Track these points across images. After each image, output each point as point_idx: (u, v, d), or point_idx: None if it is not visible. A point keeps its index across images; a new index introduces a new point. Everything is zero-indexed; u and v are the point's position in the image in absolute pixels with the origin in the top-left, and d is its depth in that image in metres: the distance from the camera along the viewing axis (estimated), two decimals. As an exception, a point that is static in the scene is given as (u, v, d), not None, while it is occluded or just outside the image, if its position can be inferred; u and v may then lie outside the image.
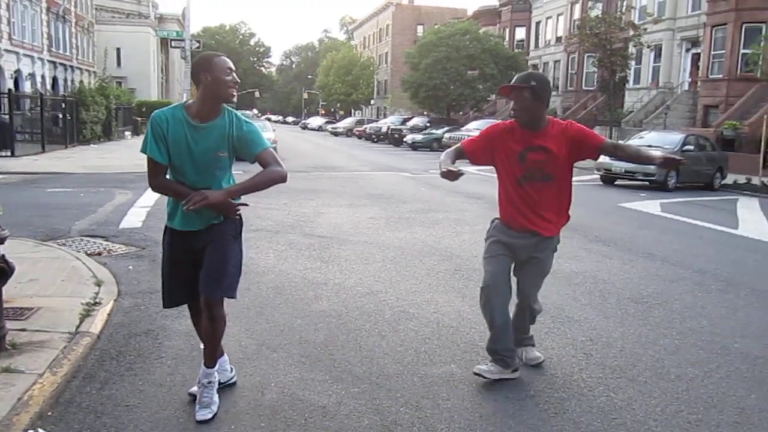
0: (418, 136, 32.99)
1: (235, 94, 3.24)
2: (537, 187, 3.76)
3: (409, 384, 3.79)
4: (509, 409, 3.52)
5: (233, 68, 3.24)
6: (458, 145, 4.02)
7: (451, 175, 3.63)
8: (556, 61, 43.44)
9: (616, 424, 3.40)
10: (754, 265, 7.71)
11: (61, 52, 40.31)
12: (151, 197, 10.60)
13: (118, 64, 49.35)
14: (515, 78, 3.77)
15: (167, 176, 3.29)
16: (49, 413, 3.24)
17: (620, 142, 4.06)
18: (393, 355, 4.24)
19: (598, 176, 17.76)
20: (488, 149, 3.93)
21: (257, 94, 79.80)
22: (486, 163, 3.95)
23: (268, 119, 64.17)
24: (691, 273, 6.99)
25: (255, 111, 70.60)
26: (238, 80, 3.27)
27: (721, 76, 27.21)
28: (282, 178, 3.22)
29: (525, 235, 3.80)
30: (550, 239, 3.86)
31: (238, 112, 3.34)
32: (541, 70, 45.70)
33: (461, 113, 46.49)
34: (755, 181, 17.60)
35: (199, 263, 3.30)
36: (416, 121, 39.10)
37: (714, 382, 4.01)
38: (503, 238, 3.88)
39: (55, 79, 39.52)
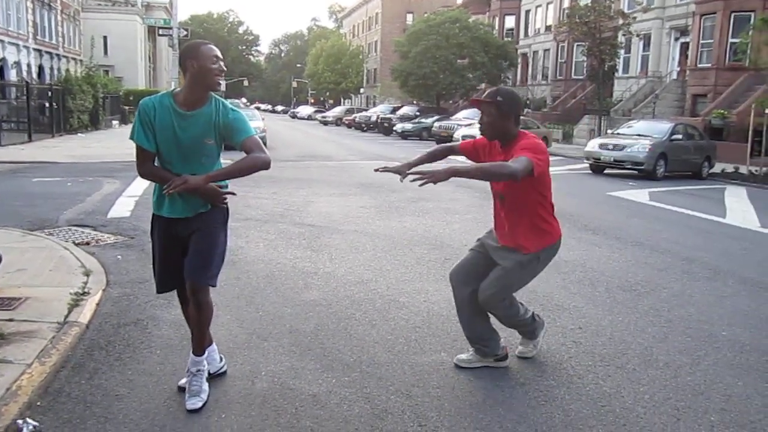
0: (408, 125, 32.92)
1: (221, 82, 3.22)
2: (506, 206, 3.72)
3: (399, 372, 3.80)
4: (499, 397, 3.53)
5: (220, 56, 3.21)
6: (455, 144, 3.98)
7: (395, 172, 3.68)
8: (545, 50, 43.44)
9: (605, 411, 3.42)
10: (741, 253, 7.77)
11: (47, 40, 39.82)
12: (139, 186, 10.54)
13: (105, 52, 48.81)
14: (485, 92, 3.72)
15: (156, 163, 3.28)
16: (38, 403, 3.23)
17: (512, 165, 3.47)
18: (383, 343, 4.25)
19: (588, 165, 17.82)
20: (474, 156, 3.92)
21: (246, 82, 79.35)
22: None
23: (258, 108, 63.84)
24: (680, 261, 7.03)
25: (244, 100, 70.22)
26: (225, 69, 3.25)
27: (709, 65, 27.29)
28: (265, 164, 3.20)
29: (503, 247, 3.78)
30: (520, 253, 3.72)
31: (226, 101, 3.33)
32: (530, 59, 45.93)
33: (451, 102, 46.45)
34: (743, 170, 17.72)
35: (186, 250, 3.29)
36: (406, 110, 39.00)
37: (702, 369, 4.05)
38: (486, 239, 3.93)
39: (41, 68, 39.06)
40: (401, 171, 3.67)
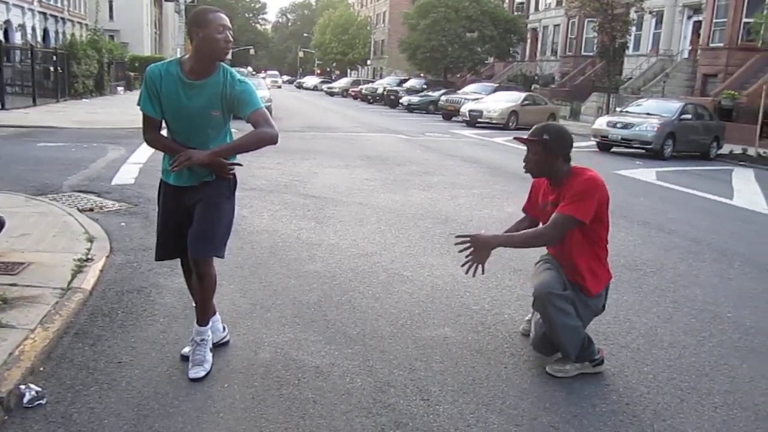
0: (415, 98, 32.68)
1: (227, 52, 3.14)
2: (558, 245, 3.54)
3: (402, 346, 3.79)
4: (502, 374, 3.52)
5: (228, 25, 3.10)
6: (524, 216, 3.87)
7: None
8: (555, 25, 42.87)
9: (609, 390, 3.41)
10: (748, 235, 7.72)
11: (51, 3, 39.40)
12: (144, 153, 10.49)
13: (111, 17, 48.34)
14: (531, 130, 3.55)
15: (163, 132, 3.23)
16: (41, 369, 3.22)
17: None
18: (387, 317, 4.23)
19: (595, 143, 17.69)
20: (534, 200, 3.78)
21: (252, 51, 78.69)
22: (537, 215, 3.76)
23: (275, 79, 62.74)
24: (686, 242, 6.99)
25: (249, 69, 69.70)
26: (231, 39, 3.15)
27: (721, 44, 26.93)
28: (272, 140, 3.12)
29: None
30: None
31: (233, 70, 3.24)
32: (540, 34, 45.35)
33: (458, 76, 46.03)
34: (751, 151, 17.56)
35: (191, 219, 3.25)
36: (413, 82, 38.68)
37: (706, 350, 4.03)
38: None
39: (46, 31, 38.71)
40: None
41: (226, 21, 3.11)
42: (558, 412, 3.14)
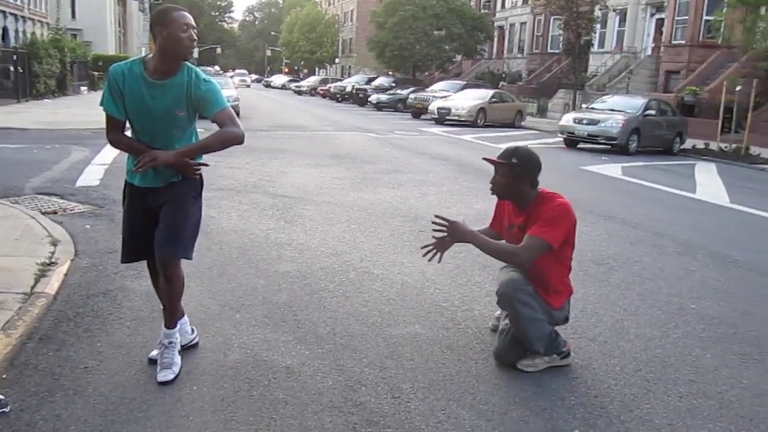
0: (383, 97, 32.69)
1: (192, 51, 3.10)
2: None
3: (373, 344, 3.79)
4: (472, 369, 3.55)
5: (192, 24, 3.06)
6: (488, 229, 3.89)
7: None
8: (522, 23, 43.26)
9: (577, 383, 3.46)
10: (711, 228, 7.89)
11: (11, 1, 38.44)
12: (109, 154, 10.32)
13: (73, 15, 47.35)
14: (500, 152, 3.57)
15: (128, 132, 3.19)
16: (4, 376, 3.15)
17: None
18: (357, 315, 4.23)
19: (562, 139, 17.90)
20: (498, 218, 3.86)
21: (219, 50, 77.90)
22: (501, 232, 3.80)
23: (244, 78, 62.29)
24: (651, 236, 7.12)
25: (216, 68, 68.98)
26: (196, 37, 3.11)
27: (683, 41, 27.46)
28: (238, 140, 3.09)
29: None
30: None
31: (199, 69, 3.21)
32: (506, 32, 45.70)
33: (427, 73, 46.18)
34: (713, 146, 17.94)
35: (157, 221, 3.21)
36: (381, 80, 38.67)
37: (671, 341, 4.11)
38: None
39: (5, 30, 37.69)
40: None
41: (190, 19, 3.07)
42: (528, 406, 3.18)
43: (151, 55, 3.13)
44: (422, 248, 3.44)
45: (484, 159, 3.63)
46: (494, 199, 3.88)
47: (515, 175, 3.45)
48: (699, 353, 3.95)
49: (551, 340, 3.54)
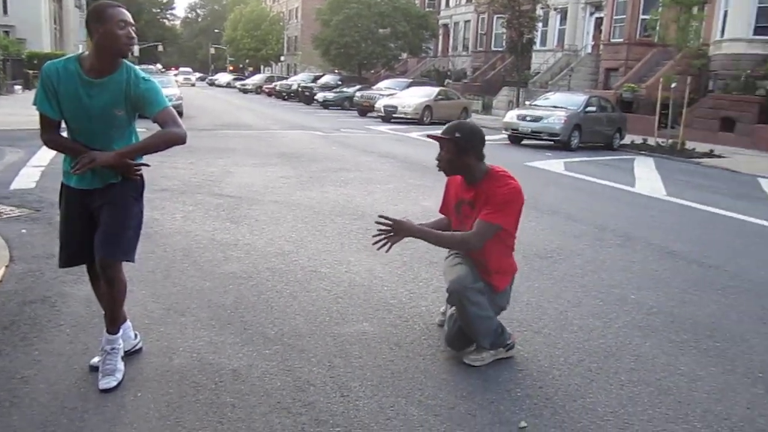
0: (330, 95, 32.57)
1: (130, 49, 3.01)
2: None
3: (321, 344, 3.77)
4: (420, 365, 3.57)
5: (130, 21, 2.98)
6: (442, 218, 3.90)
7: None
8: (466, 21, 43.78)
9: (523, 375, 3.52)
10: (649, 220, 8.14)
11: (-63, -3, 36.79)
12: (45, 156, 9.97)
13: (5, 11, 45.54)
14: (444, 128, 3.59)
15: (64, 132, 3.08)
16: (-66, 388, 3.01)
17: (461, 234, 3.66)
18: (305, 315, 4.21)
19: (506, 136, 18.19)
20: (446, 202, 3.84)
21: (161, 47, 76.17)
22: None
23: (188, 76, 61.16)
24: (592, 229, 7.31)
25: (159, 66, 67.43)
26: (134, 35, 3.02)
27: (621, 40, 28.27)
28: (179, 140, 3.04)
29: None
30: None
31: (138, 68, 3.12)
32: (451, 30, 46.14)
33: (373, 71, 46.25)
34: (651, 141, 18.55)
35: (96, 224, 3.12)
36: (327, 78, 38.52)
37: (613, 332, 4.23)
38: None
39: (-69, 27, 36.13)
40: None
41: (128, 16, 2.98)
42: (475, 399, 3.22)
43: (86, 53, 3.03)
44: (373, 237, 3.44)
45: (428, 136, 3.65)
46: (440, 196, 3.91)
47: (459, 150, 3.47)
48: (639, 342, 4.08)
49: (497, 336, 3.60)
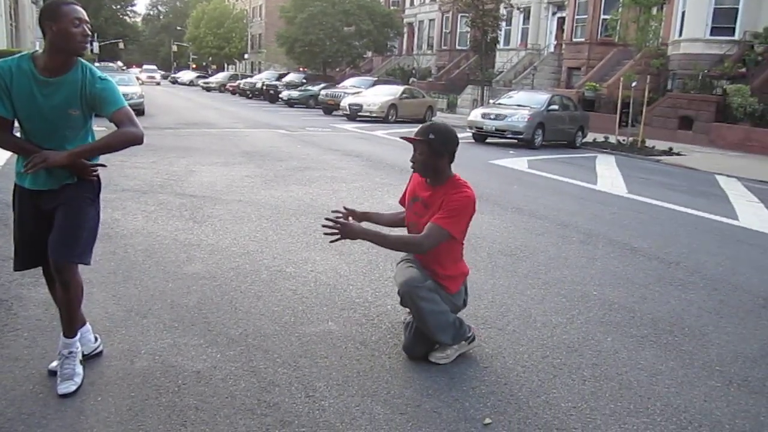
0: (294, 93, 32.40)
1: (85, 47, 2.94)
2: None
3: (286, 344, 3.75)
4: (386, 364, 3.57)
5: (84, 18, 2.91)
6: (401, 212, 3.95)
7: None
8: (431, 20, 43.99)
9: (488, 372, 3.55)
10: (610, 218, 8.28)
11: None
12: None
13: (-43, 7, 44.28)
14: (418, 129, 3.60)
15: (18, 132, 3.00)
16: None
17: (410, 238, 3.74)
18: (270, 315, 4.17)
19: (471, 134, 18.32)
20: (406, 192, 3.88)
21: (121, 45, 74.72)
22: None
23: (152, 74, 60.20)
24: (555, 226, 7.40)
25: (120, 63, 66.18)
26: (89, 32, 2.96)
27: (583, 39, 28.73)
28: (136, 140, 2.97)
29: None
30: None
31: (94, 66, 3.05)
32: (416, 29, 46.29)
33: (338, 70, 46.17)
34: (612, 139, 18.88)
35: (51, 225, 3.04)
36: (292, 77, 38.28)
37: (575, 327, 4.29)
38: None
39: None
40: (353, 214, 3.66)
41: (83, 13, 2.91)
42: (440, 397, 3.23)
43: (40, 51, 2.96)
44: (323, 226, 3.45)
45: (402, 138, 3.66)
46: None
47: (432, 151, 3.49)
48: (601, 338, 4.15)
49: (456, 329, 3.62)
